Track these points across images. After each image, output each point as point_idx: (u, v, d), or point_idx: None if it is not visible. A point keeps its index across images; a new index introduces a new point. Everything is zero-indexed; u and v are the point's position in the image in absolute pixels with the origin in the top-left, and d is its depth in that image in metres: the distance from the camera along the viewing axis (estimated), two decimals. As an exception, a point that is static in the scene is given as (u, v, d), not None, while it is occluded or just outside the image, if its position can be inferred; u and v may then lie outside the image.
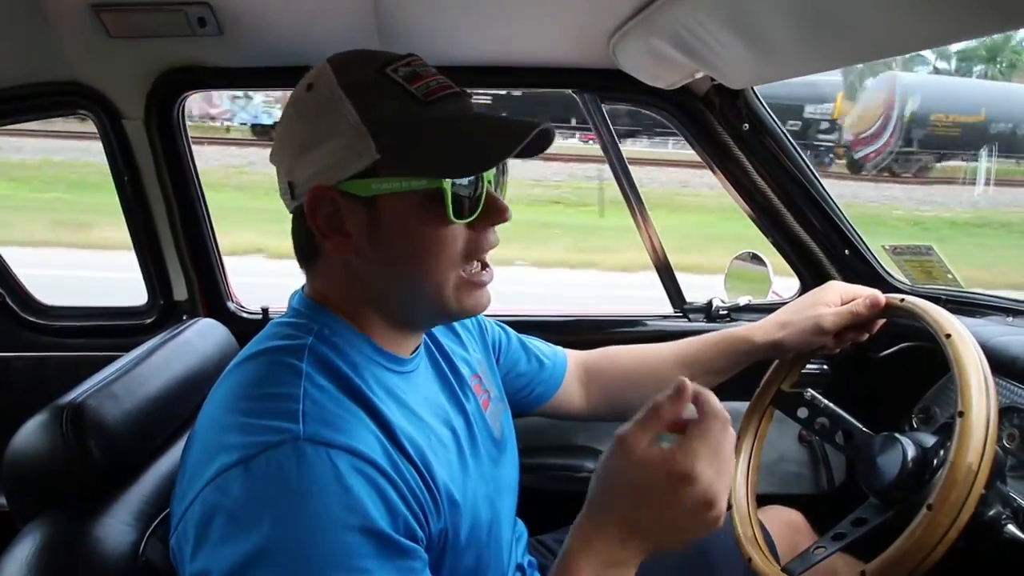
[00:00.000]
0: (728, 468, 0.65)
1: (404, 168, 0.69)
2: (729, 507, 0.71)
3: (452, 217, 0.70)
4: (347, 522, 0.60)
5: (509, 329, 1.13)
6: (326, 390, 0.68)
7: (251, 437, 0.63)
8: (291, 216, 0.78)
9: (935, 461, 0.87)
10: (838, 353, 1.11)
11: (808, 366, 1.13)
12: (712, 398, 0.67)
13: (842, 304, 1.04)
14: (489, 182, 0.75)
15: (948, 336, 0.87)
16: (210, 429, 0.68)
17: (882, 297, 1.01)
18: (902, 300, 0.98)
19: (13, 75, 1.35)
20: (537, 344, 1.16)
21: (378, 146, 0.68)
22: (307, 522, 0.59)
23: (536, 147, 0.74)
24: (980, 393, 0.80)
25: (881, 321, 1.04)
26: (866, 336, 1.06)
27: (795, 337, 1.04)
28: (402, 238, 0.71)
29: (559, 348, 1.20)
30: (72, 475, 0.78)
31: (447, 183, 0.69)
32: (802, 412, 1.03)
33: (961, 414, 0.79)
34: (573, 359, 1.20)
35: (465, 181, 0.71)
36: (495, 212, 0.75)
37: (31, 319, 1.62)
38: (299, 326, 0.75)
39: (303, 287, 0.81)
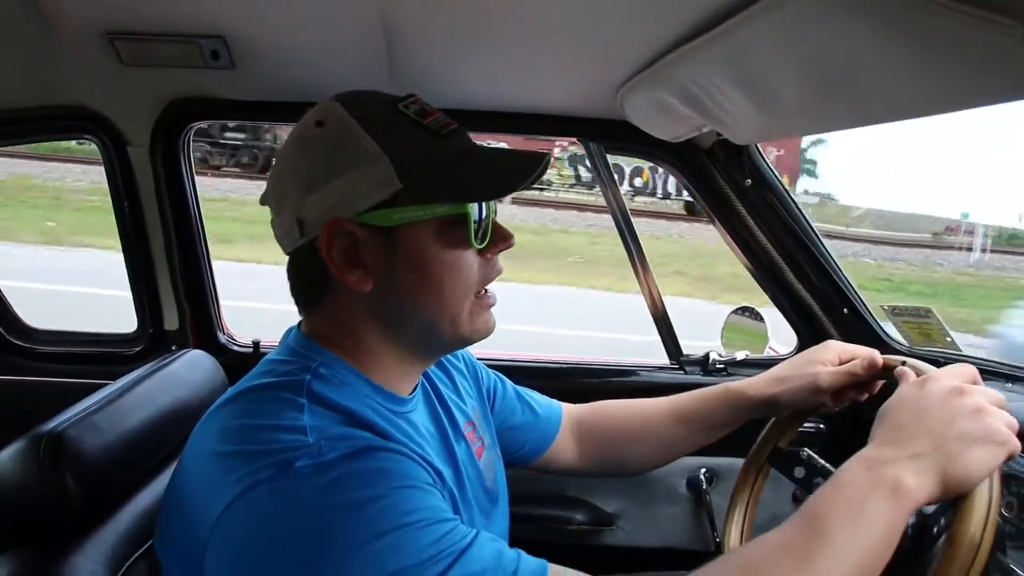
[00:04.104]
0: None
1: (427, 195, 0.71)
2: None
3: (473, 242, 0.72)
4: (406, 483, 0.61)
5: (505, 378, 1.11)
6: (329, 422, 0.66)
7: (263, 460, 0.61)
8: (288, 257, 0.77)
9: (935, 529, 0.84)
10: (836, 412, 1.09)
11: (805, 424, 1.11)
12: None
13: (840, 364, 1.02)
14: (494, 212, 0.77)
15: None
16: (207, 461, 0.66)
17: (880, 358, 0.99)
18: (903, 363, 0.97)
19: (20, 97, 1.35)
20: (533, 396, 1.13)
21: (400, 175, 0.70)
22: (361, 507, 0.59)
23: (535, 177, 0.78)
24: None
25: (881, 382, 1.03)
26: (865, 396, 1.04)
27: (791, 394, 1.02)
28: (422, 265, 0.72)
29: (554, 401, 1.17)
30: (45, 509, 0.75)
31: (471, 208, 0.71)
32: (799, 471, 1.01)
33: None
34: (567, 412, 1.17)
35: (476, 211, 0.73)
36: (501, 239, 0.77)
37: (16, 342, 1.58)
38: (295, 363, 0.73)
39: (298, 325, 0.80)
